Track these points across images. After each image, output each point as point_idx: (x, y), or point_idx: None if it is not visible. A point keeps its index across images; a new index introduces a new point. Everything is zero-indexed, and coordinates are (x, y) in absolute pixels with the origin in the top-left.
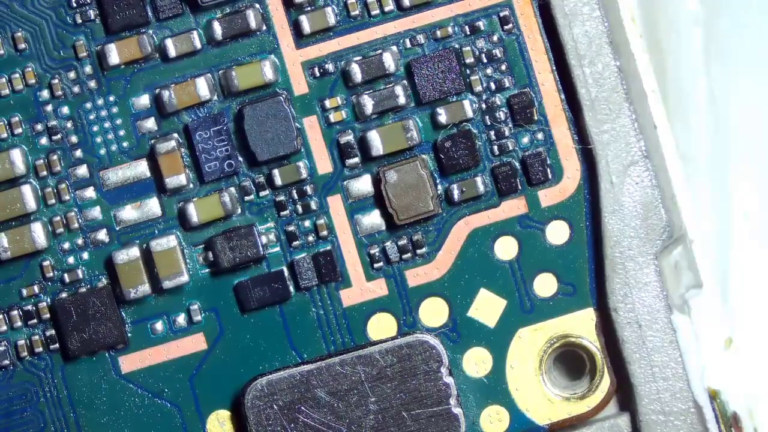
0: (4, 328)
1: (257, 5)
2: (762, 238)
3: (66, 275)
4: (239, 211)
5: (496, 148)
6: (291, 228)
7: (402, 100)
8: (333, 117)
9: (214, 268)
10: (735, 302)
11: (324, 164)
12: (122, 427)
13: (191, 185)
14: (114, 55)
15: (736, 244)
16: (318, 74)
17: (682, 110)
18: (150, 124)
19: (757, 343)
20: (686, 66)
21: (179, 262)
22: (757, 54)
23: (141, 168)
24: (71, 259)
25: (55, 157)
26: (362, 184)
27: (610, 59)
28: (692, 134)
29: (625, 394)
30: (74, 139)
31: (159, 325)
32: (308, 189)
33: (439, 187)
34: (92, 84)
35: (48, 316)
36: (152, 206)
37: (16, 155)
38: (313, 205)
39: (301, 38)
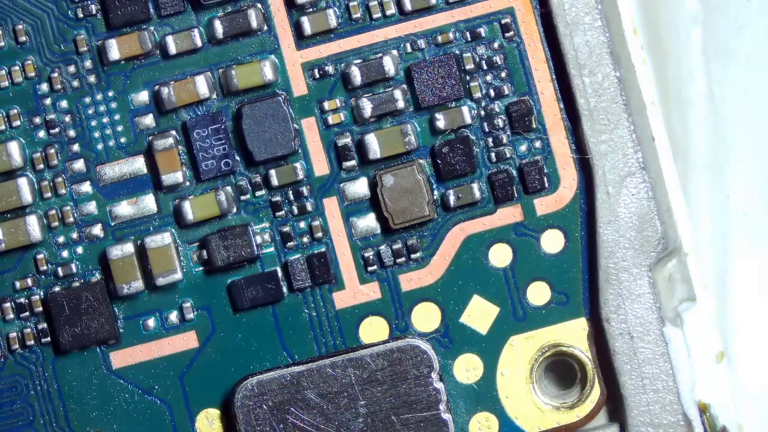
0: None
1: (259, 5)
2: (761, 238)
3: (60, 269)
4: (235, 210)
5: (493, 155)
6: (286, 229)
7: (401, 104)
8: (331, 119)
9: (208, 267)
10: (728, 316)
11: (321, 166)
12: (111, 423)
13: (188, 183)
14: (114, 50)
15: (733, 250)
16: (318, 76)
17: (681, 110)
18: (148, 120)
19: (749, 357)
20: (686, 66)
21: (173, 260)
22: (756, 54)
23: (138, 164)
24: (65, 253)
25: (52, 150)
26: (358, 187)
27: (610, 70)
28: (691, 134)
29: (614, 405)
30: (72, 133)
31: (151, 322)
32: (304, 190)
33: (435, 192)
34: (92, 79)
35: (40, 309)
36: (148, 203)
37: (14, 147)
38: (309, 207)
39: (301, 39)
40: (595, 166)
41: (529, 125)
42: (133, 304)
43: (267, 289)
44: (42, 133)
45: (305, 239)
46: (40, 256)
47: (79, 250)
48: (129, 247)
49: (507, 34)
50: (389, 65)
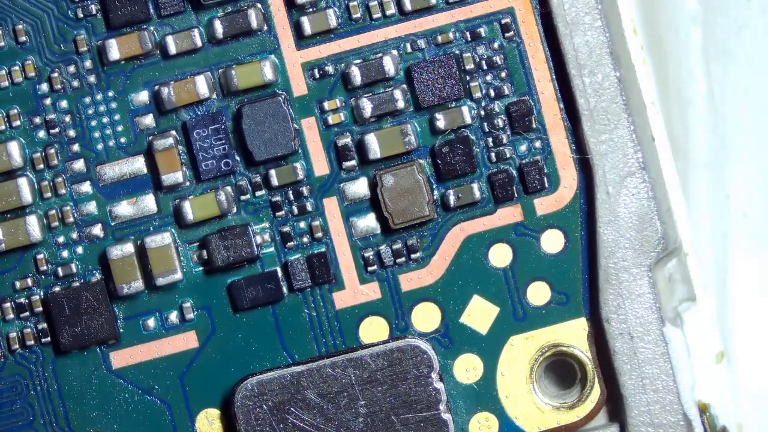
0: None
1: (259, 5)
2: (761, 238)
3: (60, 269)
4: (235, 210)
5: (493, 155)
6: (286, 229)
7: (401, 104)
8: (331, 119)
9: (208, 267)
10: (728, 316)
11: (321, 166)
12: (111, 423)
13: (188, 183)
14: (114, 50)
15: (733, 250)
16: (318, 76)
17: (681, 110)
18: (148, 120)
19: (749, 357)
20: (686, 66)
21: (173, 260)
22: (756, 54)
23: (138, 164)
24: (65, 253)
25: (52, 150)
26: (358, 187)
27: (610, 70)
28: (691, 134)
29: (614, 405)
30: (72, 133)
31: (151, 322)
32: (304, 190)
33: (435, 192)
34: (92, 79)
35: (40, 309)
36: (148, 203)
37: (14, 147)
38: (309, 207)
39: (301, 39)
40: (595, 166)
41: (529, 125)
42: (133, 304)
43: (267, 289)
44: (42, 133)
45: (305, 239)
46: (40, 256)
47: (79, 250)
48: (129, 247)
49: (507, 34)
50: (389, 65)
